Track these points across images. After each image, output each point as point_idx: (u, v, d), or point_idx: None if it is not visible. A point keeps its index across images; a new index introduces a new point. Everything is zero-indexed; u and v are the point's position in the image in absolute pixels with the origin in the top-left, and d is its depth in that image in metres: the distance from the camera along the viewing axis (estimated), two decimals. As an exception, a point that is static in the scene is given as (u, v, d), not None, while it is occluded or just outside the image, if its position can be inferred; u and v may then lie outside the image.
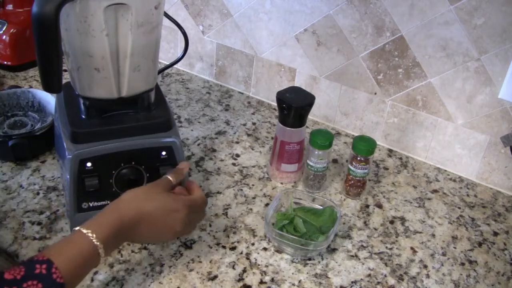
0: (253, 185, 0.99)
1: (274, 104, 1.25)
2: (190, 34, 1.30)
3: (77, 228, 0.63)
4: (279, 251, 0.84)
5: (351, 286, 0.79)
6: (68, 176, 0.76)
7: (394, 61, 1.05)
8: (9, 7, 1.27)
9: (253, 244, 0.85)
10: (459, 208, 0.99)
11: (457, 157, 1.07)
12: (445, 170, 1.09)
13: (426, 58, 1.01)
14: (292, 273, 0.80)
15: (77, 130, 0.76)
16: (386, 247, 0.87)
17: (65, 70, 0.82)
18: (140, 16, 0.72)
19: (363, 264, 0.84)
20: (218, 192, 0.96)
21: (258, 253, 0.83)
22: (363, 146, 0.92)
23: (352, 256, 0.85)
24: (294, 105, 0.91)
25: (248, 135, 1.14)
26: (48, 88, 0.70)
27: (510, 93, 0.95)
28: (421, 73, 1.03)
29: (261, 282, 0.78)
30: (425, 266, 0.85)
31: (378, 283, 0.80)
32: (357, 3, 1.04)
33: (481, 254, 0.88)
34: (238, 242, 0.85)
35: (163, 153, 0.80)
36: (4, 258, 0.81)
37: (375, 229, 0.91)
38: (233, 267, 0.80)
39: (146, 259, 0.80)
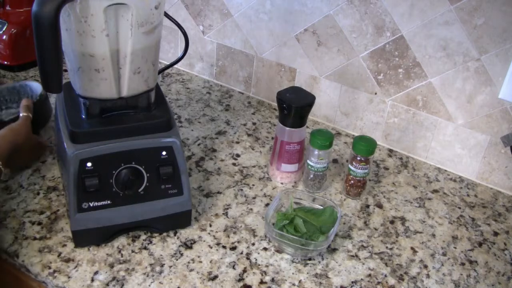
0: (253, 185, 0.99)
1: (274, 104, 1.25)
2: (190, 34, 1.30)
3: None
4: (279, 251, 0.84)
5: (351, 286, 0.79)
6: (68, 176, 0.76)
7: (394, 61, 1.05)
8: (9, 7, 1.27)
9: (253, 244, 0.85)
10: (459, 208, 0.99)
11: (457, 157, 1.07)
12: (445, 170, 1.09)
13: (426, 58, 1.01)
14: (293, 273, 0.80)
15: (77, 130, 0.76)
16: (387, 247, 0.87)
17: (65, 70, 0.83)
18: (141, 16, 0.72)
19: (363, 264, 0.84)
20: (219, 192, 0.96)
21: (259, 253, 0.83)
22: (363, 146, 0.92)
23: (353, 256, 0.85)
24: (294, 105, 0.91)
25: (249, 135, 1.14)
26: (48, 88, 0.70)
27: (510, 93, 0.95)
28: (421, 73, 1.03)
29: (261, 282, 0.78)
30: (425, 266, 0.85)
31: (379, 283, 0.80)
32: (357, 3, 1.04)
33: (482, 254, 0.88)
34: (238, 242, 0.85)
35: (163, 153, 0.80)
36: (4, 258, 0.81)
37: (375, 229, 0.91)
38: (233, 267, 0.80)
39: (146, 259, 0.80)
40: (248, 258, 0.82)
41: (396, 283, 0.81)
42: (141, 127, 0.79)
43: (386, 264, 0.84)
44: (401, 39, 1.02)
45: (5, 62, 1.27)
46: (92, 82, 0.76)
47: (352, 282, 0.80)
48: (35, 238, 0.82)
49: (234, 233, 0.87)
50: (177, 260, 0.81)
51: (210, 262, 0.81)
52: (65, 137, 0.78)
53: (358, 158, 0.93)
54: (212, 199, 0.94)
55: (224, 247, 0.84)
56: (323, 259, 0.84)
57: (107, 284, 0.75)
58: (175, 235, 0.85)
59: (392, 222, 0.93)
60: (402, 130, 1.11)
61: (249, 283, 0.78)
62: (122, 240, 0.83)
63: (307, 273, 0.81)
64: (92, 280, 0.76)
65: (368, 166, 0.94)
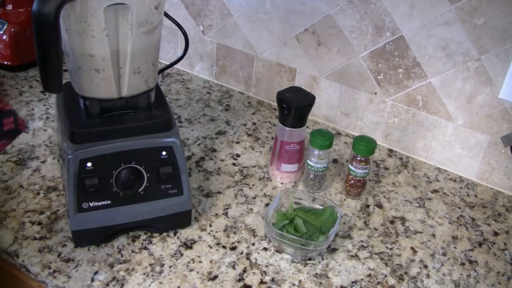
0: (253, 185, 0.99)
1: (274, 104, 1.25)
2: (190, 34, 1.30)
3: None
4: (279, 251, 0.84)
5: (351, 286, 0.79)
6: (68, 176, 0.76)
7: (394, 61, 1.05)
8: (9, 7, 1.27)
9: (253, 244, 0.85)
10: (459, 208, 0.99)
11: (457, 157, 1.07)
12: (445, 170, 1.09)
13: (426, 58, 1.01)
14: (293, 273, 0.80)
15: (77, 130, 0.76)
16: (386, 247, 0.87)
17: (65, 70, 0.83)
18: (141, 16, 0.72)
19: (363, 264, 0.84)
20: (219, 192, 0.96)
21: (259, 253, 0.83)
22: (363, 146, 0.92)
23: (353, 256, 0.85)
24: (294, 105, 0.91)
25: (248, 135, 1.14)
26: (48, 88, 0.70)
27: (510, 93, 0.95)
28: (421, 73, 1.03)
29: (261, 282, 0.78)
30: (425, 266, 0.85)
31: (378, 283, 0.80)
32: (357, 3, 1.04)
33: (481, 254, 0.88)
34: (238, 242, 0.85)
35: (164, 153, 0.80)
36: (4, 258, 0.81)
37: (375, 229, 0.91)
38: (233, 267, 0.80)
39: (146, 259, 0.80)
40: (248, 258, 0.82)
41: (396, 283, 0.81)
42: (141, 127, 0.79)
43: (386, 264, 0.84)
44: (401, 39, 1.02)
45: (5, 62, 1.27)
46: (92, 82, 0.76)
47: (352, 282, 0.80)
48: (35, 238, 0.82)
49: (234, 233, 0.87)
50: (177, 260, 0.81)
51: (210, 262, 0.81)
52: (65, 137, 0.78)
53: (358, 158, 0.93)
54: (212, 199, 0.94)
55: (224, 247, 0.84)
56: (323, 259, 0.84)
57: (107, 284, 0.75)
58: (175, 235, 0.85)
59: (392, 222, 0.93)
60: (402, 130, 1.11)
61: (249, 283, 0.78)
62: (122, 240, 0.83)
63: (307, 273, 0.81)
64: (92, 280, 0.76)
65: (368, 166, 0.94)
